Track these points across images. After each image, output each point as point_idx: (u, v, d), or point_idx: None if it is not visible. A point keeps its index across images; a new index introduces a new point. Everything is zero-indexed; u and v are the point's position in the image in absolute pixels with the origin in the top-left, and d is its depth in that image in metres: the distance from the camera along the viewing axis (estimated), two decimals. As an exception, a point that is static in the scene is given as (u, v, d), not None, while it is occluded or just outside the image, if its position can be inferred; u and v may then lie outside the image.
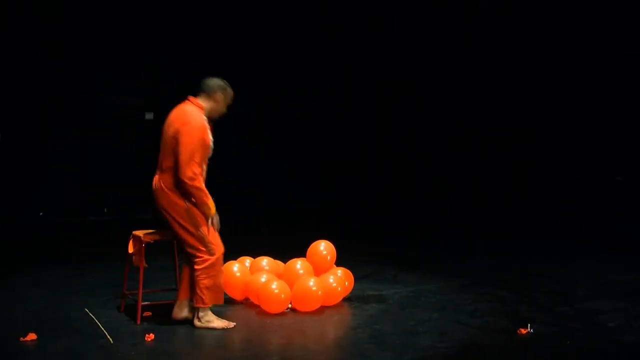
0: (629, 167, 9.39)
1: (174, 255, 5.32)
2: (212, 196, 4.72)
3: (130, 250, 5.01)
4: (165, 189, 4.66)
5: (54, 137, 10.24)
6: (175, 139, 4.58)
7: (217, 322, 4.77)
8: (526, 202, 10.41)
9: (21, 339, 4.43)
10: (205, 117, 4.72)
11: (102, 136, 10.45)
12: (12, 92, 9.86)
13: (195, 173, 4.57)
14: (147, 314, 5.08)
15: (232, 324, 4.81)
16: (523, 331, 4.71)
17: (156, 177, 4.75)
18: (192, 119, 4.63)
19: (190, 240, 4.66)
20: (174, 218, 4.67)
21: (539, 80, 10.44)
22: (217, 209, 4.72)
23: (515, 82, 10.73)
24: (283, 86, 11.67)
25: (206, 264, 4.64)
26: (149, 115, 10.60)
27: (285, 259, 5.69)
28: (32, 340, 4.42)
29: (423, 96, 11.88)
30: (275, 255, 5.84)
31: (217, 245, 4.71)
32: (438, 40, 11.65)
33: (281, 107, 11.75)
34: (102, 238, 8.93)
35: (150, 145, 10.68)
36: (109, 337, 4.51)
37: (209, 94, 4.77)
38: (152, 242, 4.94)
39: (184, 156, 4.53)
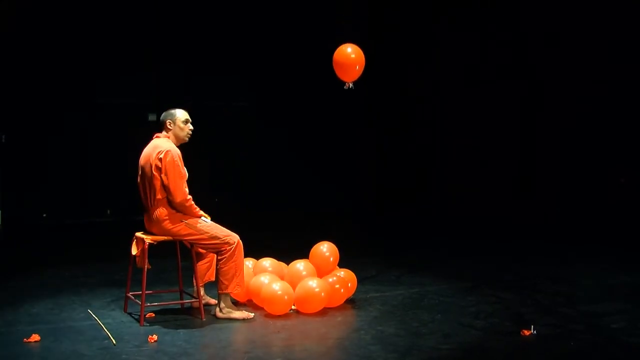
0: (632, 169, 9.37)
1: (177, 256, 5.33)
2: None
3: (134, 251, 5.04)
4: (162, 220, 4.92)
5: (57, 138, 10.26)
6: (158, 169, 4.87)
7: (238, 313, 5.06)
8: (528, 204, 10.40)
9: (25, 340, 4.44)
10: (174, 145, 5.02)
11: (105, 137, 10.47)
12: (15, 93, 9.87)
13: (187, 193, 4.93)
14: (151, 315, 5.11)
15: (251, 315, 5.08)
16: (526, 333, 4.71)
17: (147, 216, 5.00)
18: (167, 147, 4.93)
19: (207, 243, 5.00)
20: (182, 238, 5.00)
21: (541, 81, 10.43)
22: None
23: (518, 83, 10.71)
24: (283, 87, 11.68)
25: (229, 252, 4.97)
26: (152, 116, 10.62)
27: (288, 261, 5.71)
28: (35, 342, 4.43)
29: (425, 97, 11.88)
30: (278, 257, 5.85)
31: (230, 234, 5.02)
32: (440, 43, 11.65)
33: (282, 108, 11.75)
34: (104, 239, 8.96)
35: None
36: (112, 338, 4.51)
37: (163, 125, 5.10)
38: (155, 243, 4.96)
39: (174, 181, 4.86)
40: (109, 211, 10.53)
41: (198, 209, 5.02)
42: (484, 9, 10.95)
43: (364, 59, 5.55)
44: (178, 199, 4.86)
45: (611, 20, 9.34)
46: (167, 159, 4.85)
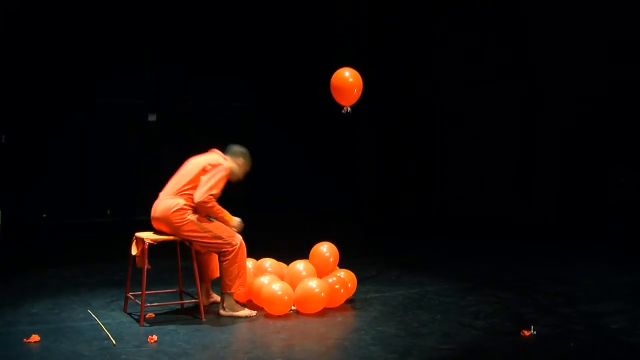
0: (633, 169, 9.37)
1: (177, 256, 5.33)
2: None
3: (134, 252, 5.04)
4: (174, 209, 4.96)
5: (58, 138, 10.25)
6: (205, 171, 5.04)
7: (241, 311, 5.14)
8: (528, 204, 10.39)
9: (25, 340, 4.44)
10: None
11: (105, 137, 10.46)
12: (15, 93, 9.86)
13: (210, 199, 5.02)
14: (150, 315, 5.11)
15: (254, 313, 5.16)
16: (526, 333, 4.71)
17: (162, 202, 5.05)
18: (226, 161, 5.17)
19: (209, 242, 5.03)
20: (185, 233, 5.01)
21: (541, 81, 10.42)
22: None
23: (518, 83, 10.70)
24: (283, 87, 11.66)
25: (232, 254, 5.04)
26: (152, 117, 10.61)
27: (288, 261, 5.71)
28: (35, 342, 4.43)
29: (425, 97, 11.88)
30: (278, 257, 5.85)
31: (233, 235, 5.10)
32: (440, 43, 11.65)
33: (282, 108, 11.74)
34: (104, 239, 8.95)
35: (154, 146, 10.81)
36: (112, 338, 4.51)
37: (233, 156, 5.28)
38: (155, 243, 4.96)
39: (209, 185, 4.99)
40: (109, 211, 10.52)
41: (220, 209, 5.09)
42: (484, 9, 10.95)
43: (361, 82, 5.56)
44: (199, 199, 4.95)
45: (611, 20, 9.34)
46: (220, 167, 5.05)
